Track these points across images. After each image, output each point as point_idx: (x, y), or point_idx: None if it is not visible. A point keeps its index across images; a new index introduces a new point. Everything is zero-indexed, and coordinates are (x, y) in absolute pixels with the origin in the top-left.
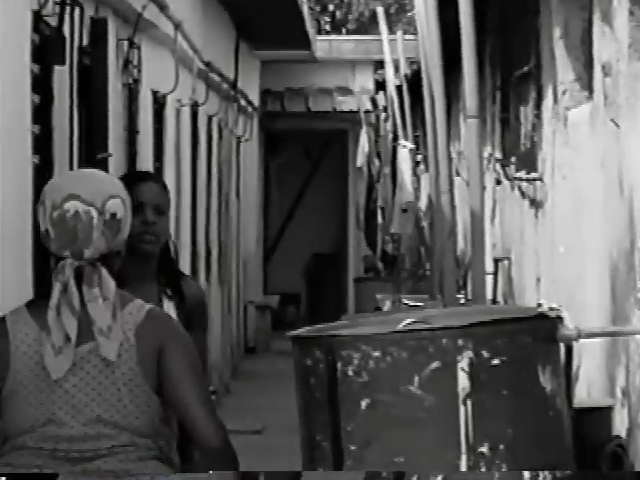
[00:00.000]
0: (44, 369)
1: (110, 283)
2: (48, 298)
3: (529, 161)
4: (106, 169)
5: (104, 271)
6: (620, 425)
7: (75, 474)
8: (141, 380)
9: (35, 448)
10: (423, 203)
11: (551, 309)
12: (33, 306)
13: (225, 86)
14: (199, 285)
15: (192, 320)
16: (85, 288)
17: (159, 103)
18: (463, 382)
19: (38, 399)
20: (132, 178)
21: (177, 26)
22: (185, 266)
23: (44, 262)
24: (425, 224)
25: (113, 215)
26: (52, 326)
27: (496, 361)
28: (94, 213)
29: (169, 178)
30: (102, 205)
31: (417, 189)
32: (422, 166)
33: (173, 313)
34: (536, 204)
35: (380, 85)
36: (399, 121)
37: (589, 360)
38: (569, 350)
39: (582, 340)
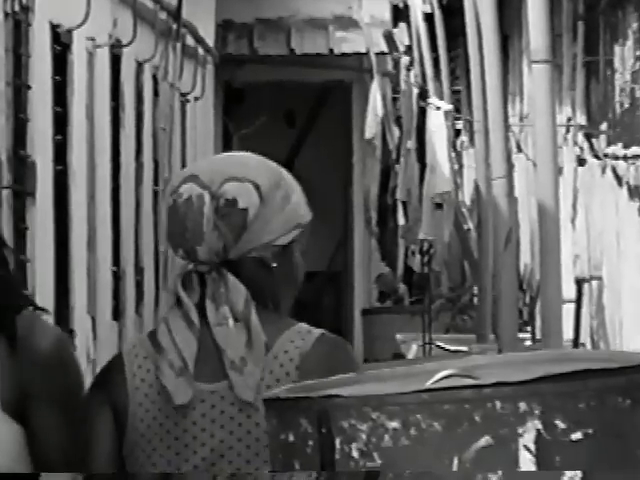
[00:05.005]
0: (168, 418)
1: (240, 295)
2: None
3: (628, 129)
4: None
5: (232, 279)
6: None
7: None
8: None
9: None
10: (467, 194)
11: None
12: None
13: (163, 16)
14: (53, 328)
15: (32, 388)
16: (208, 303)
17: (62, 43)
18: (527, 467)
19: (165, 456)
20: None
21: None
22: (102, 293)
23: None
24: (471, 226)
25: (230, 202)
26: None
27: (577, 435)
28: (206, 197)
29: (77, 158)
30: (218, 187)
31: (458, 173)
32: (465, 137)
33: None
34: (639, 194)
35: (400, 13)
36: (429, 69)
37: None
38: None
39: None
